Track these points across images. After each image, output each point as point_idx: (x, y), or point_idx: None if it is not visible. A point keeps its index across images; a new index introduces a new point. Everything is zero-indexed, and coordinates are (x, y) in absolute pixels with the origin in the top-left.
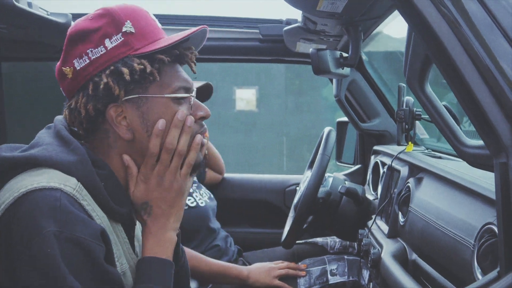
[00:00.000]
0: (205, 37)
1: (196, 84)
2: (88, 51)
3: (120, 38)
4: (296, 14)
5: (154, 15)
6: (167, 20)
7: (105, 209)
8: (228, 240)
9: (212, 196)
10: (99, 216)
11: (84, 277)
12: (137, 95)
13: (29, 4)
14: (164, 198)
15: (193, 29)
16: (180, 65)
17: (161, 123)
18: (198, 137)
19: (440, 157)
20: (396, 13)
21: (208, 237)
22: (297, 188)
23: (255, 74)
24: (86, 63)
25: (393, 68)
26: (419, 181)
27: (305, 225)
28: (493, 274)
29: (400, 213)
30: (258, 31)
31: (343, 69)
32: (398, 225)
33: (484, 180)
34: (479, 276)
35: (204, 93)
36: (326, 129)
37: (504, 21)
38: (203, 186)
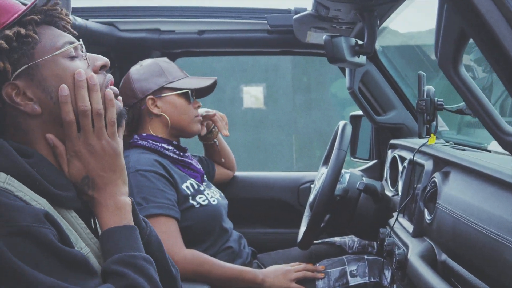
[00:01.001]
0: None
1: (204, 82)
2: None
3: None
4: (305, 3)
5: (154, 7)
6: (173, 11)
7: (47, 196)
8: (242, 241)
9: (223, 194)
10: (41, 204)
11: (45, 266)
12: (25, 65)
13: None
14: (102, 165)
15: None
16: (51, 26)
17: (63, 89)
18: (108, 92)
19: (464, 149)
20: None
21: (221, 238)
22: (312, 185)
23: (262, 71)
24: None
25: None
26: (445, 175)
27: (322, 224)
28: None
29: (426, 210)
30: (265, 21)
31: (358, 57)
32: (424, 223)
33: None
34: None
35: (207, 88)
36: (341, 123)
37: None
38: (212, 185)
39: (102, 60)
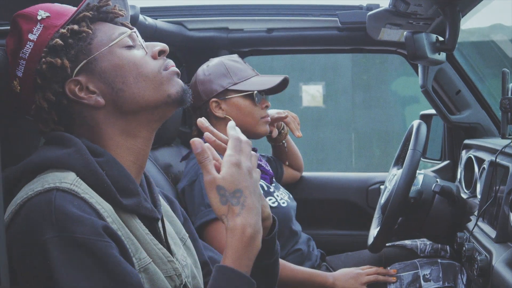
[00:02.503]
0: None
1: (272, 81)
2: (20, 55)
3: (41, 26)
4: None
5: (222, 5)
6: (241, 10)
7: (111, 201)
8: (311, 243)
9: (291, 196)
10: (105, 209)
11: (97, 279)
12: (84, 61)
13: None
14: (254, 186)
15: None
16: (106, 22)
17: (195, 147)
18: None
19: None
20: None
21: (290, 240)
22: (382, 187)
23: (321, 69)
24: (24, 65)
25: (481, 58)
26: None
27: (394, 227)
28: None
29: (511, 214)
30: (336, 19)
31: (439, 54)
32: (509, 228)
33: None
34: None
35: (277, 87)
36: (416, 122)
37: None
38: (281, 186)
39: (160, 45)
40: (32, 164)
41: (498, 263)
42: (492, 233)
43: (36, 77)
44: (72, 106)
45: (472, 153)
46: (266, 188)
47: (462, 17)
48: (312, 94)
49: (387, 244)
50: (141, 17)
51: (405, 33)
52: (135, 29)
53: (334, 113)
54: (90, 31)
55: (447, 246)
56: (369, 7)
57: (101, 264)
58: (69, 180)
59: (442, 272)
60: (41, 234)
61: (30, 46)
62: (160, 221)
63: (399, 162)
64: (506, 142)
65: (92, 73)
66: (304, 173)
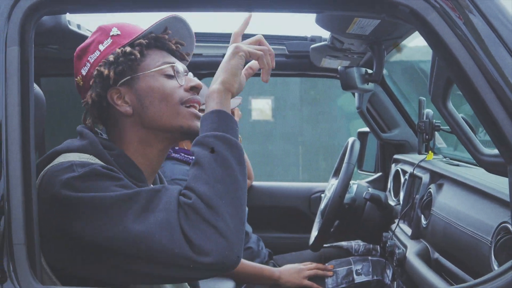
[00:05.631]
0: (188, 28)
1: None
2: (88, 58)
3: (110, 40)
4: (319, 31)
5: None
6: (201, 37)
7: None
8: (260, 243)
9: None
10: None
11: (118, 190)
12: (128, 77)
13: (78, 26)
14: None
15: (160, 19)
16: (166, 52)
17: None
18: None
19: (458, 165)
20: (416, 32)
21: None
22: (322, 195)
23: (270, 84)
24: (88, 67)
25: (409, 83)
26: (439, 187)
27: (331, 229)
28: (508, 264)
29: (422, 216)
30: (284, 47)
31: (368, 84)
32: (421, 227)
33: (499, 185)
34: (496, 268)
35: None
36: (350, 140)
37: (506, 37)
38: None
39: (195, 82)
40: (56, 151)
41: (410, 254)
42: (409, 232)
43: (92, 79)
44: (109, 109)
45: (399, 166)
46: None
47: (388, 53)
48: (261, 108)
49: (326, 245)
50: None
51: (339, 68)
52: (175, 64)
53: (282, 126)
54: (138, 55)
55: (378, 246)
56: (313, 38)
57: (117, 180)
58: (85, 157)
59: (371, 267)
60: (64, 176)
61: (97, 54)
62: None
63: (336, 173)
64: (421, 157)
65: (131, 87)
66: (255, 182)
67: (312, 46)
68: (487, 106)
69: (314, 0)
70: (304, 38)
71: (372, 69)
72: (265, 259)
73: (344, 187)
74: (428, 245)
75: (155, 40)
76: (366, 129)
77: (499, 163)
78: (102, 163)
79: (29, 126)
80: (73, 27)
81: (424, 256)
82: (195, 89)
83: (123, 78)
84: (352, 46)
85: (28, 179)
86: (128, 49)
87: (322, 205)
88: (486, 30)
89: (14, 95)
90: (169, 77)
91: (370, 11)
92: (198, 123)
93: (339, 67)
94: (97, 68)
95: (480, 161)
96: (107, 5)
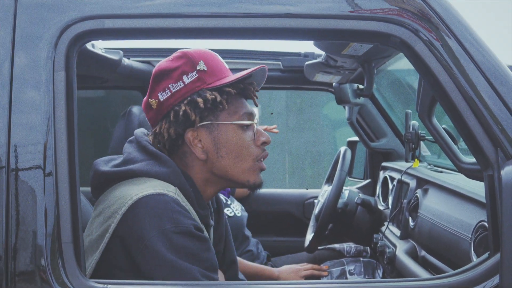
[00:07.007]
0: (265, 74)
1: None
2: (169, 85)
3: (195, 75)
4: (312, 48)
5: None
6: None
7: (194, 210)
8: (259, 246)
9: (243, 208)
10: (194, 216)
11: (204, 259)
12: (209, 122)
13: (93, 45)
14: None
15: (254, 68)
16: (244, 98)
17: None
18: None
19: (441, 172)
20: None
21: (243, 243)
22: (315, 200)
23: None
24: (168, 95)
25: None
26: (425, 191)
27: (326, 232)
28: (485, 255)
29: (410, 218)
30: (279, 62)
31: (359, 98)
32: (408, 228)
33: (477, 188)
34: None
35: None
36: (342, 149)
37: (479, 61)
38: (235, 199)
39: (266, 138)
40: (132, 172)
41: (399, 253)
42: (398, 233)
43: (171, 111)
44: (183, 146)
45: (387, 173)
46: (225, 201)
47: (377, 68)
48: None
49: (320, 247)
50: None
51: (334, 84)
52: (256, 121)
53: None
54: (226, 105)
55: (368, 248)
56: (306, 54)
57: (206, 248)
58: (172, 190)
59: (363, 268)
60: (162, 225)
61: (180, 86)
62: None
63: (329, 180)
64: (408, 165)
65: (209, 132)
66: None
67: (307, 62)
68: (464, 120)
69: (316, 31)
70: (298, 54)
71: (362, 84)
72: (264, 260)
73: (337, 193)
74: (415, 244)
75: (242, 90)
76: (355, 138)
77: (476, 169)
78: (185, 199)
79: (74, 139)
80: (89, 46)
81: (412, 254)
82: (264, 144)
83: (203, 121)
84: (344, 64)
85: (73, 186)
86: (218, 98)
87: (316, 210)
88: (459, 50)
89: (62, 113)
90: (246, 128)
91: (366, 41)
92: (261, 176)
93: (334, 84)
94: (182, 103)
95: (460, 168)
96: (143, 35)
